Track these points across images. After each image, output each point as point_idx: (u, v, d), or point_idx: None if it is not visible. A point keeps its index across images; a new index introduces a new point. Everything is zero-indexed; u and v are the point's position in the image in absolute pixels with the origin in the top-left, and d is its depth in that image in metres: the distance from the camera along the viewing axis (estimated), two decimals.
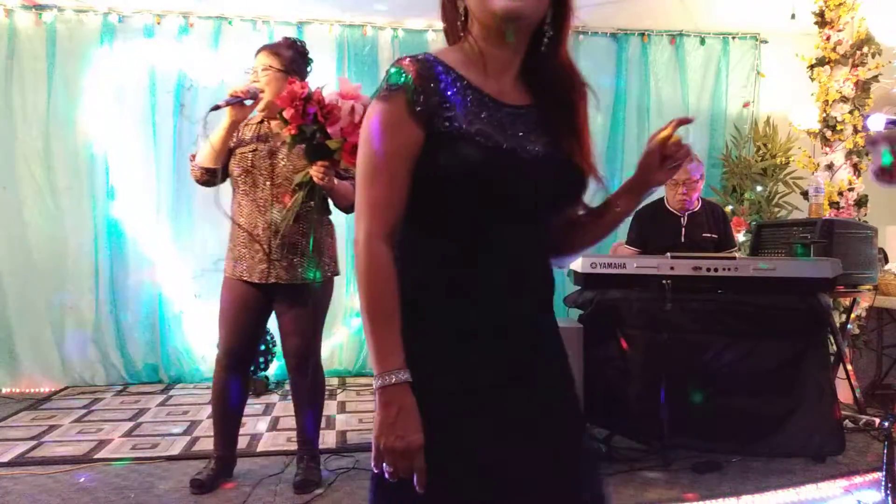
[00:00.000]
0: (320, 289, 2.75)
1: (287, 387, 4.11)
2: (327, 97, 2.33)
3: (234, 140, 2.70)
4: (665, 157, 1.17)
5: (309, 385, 2.80)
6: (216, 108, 2.55)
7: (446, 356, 1.09)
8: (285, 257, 2.65)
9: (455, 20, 1.15)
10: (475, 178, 1.07)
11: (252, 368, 4.33)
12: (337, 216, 2.84)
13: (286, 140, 2.50)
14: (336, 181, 2.50)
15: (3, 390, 4.47)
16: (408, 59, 1.10)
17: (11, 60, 4.55)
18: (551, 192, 1.14)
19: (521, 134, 1.11)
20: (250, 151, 2.67)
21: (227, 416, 2.80)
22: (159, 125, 4.71)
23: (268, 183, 2.65)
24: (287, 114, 2.34)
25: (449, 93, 1.08)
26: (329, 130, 2.32)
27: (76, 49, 4.63)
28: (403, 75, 1.07)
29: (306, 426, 2.83)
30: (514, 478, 1.08)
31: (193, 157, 2.70)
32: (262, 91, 2.63)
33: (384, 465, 1.04)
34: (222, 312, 2.73)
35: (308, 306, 2.71)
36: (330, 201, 2.70)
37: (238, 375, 2.77)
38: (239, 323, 2.71)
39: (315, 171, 2.41)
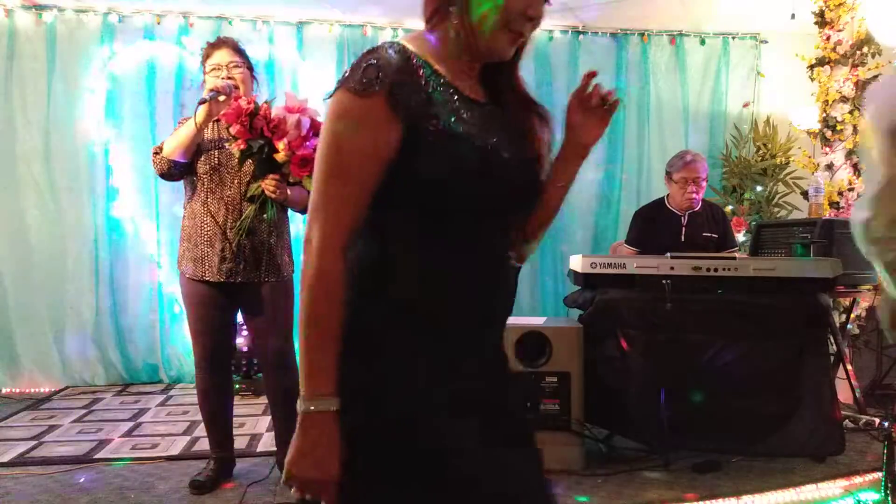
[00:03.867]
0: (287, 288, 2.73)
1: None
2: (273, 111, 2.35)
3: (202, 137, 2.64)
4: (587, 110, 1.14)
5: (288, 384, 2.71)
6: (203, 101, 2.50)
7: (434, 361, 1.03)
8: (250, 256, 2.61)
9: (438, 9, 1.08)
10: (472, 179, 1.02)
11: (252, 369, 4.37)
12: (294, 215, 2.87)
13: (236, 155, 2.50)
14: (289, 190, 2.52)
15: (3, 390, 4.47)
16: (384, 49, 1.02)
17: (11, 60, 4.55)
18: (532, 193, 1.13)
19: (496, 133, 1.07)
20: (216, 149, 2.62)
21: (217, 418, 2.79)
22: (159, 125, 4.71)
23: (236, 181, 2.61)
24: (234, 129, 2.35)
25: (430, 89, 1.02)
26: (277, 144, 2.35)
27: (76, 49, 4.63)
28: (382, 69, 0.99)
29: (290, 427, 2.78)
30: (505, 491, 1.05)
31: (159, 149, 2.61)
32: (237, 87, 2.58)
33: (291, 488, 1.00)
34: (193, 318, 2.68)
35: (279, 304, 2.69)
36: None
37: (219, 377, 2.76)
38: (213, 326, 2.67)
39: (267, 186, 2.43)
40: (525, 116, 1.14)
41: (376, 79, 0.98)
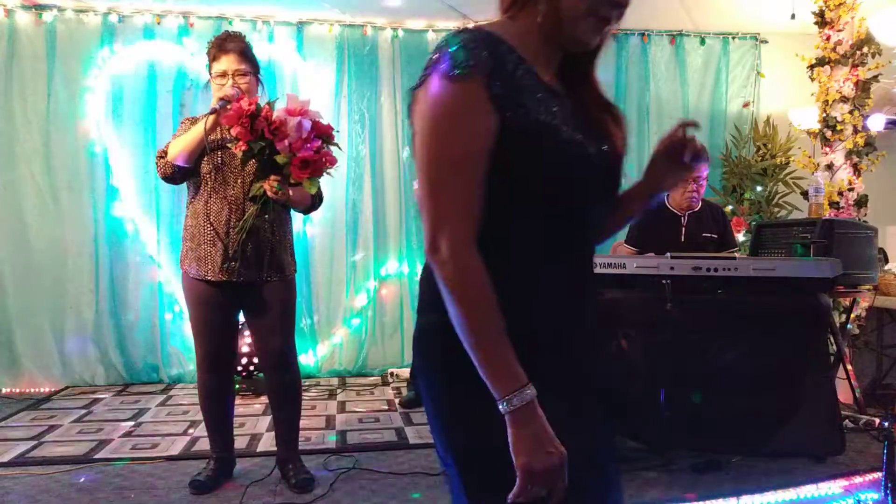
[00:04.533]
0: (289, 287, 2.75)
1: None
2: (275, 113, 2.36)
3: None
4: (672, 159, 1.12)
5: (289, 384, 2.79)
6: (213, 111, 2.53)
7: (549, 355, 1.02)
8: (253, 256, 2.61)
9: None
10: (562, 173, 0.99)
11: (252, 369, 4.37)
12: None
13: (238, 155, 2.51)
14: (290, 191, 2.52)
15: (3, 390, 4.47)
16: (473, 32, 0.97)
17: (11, 60, 4.55)
18: (614, 191, 1.11)
19: (580, 127, 1.03)
20: (219, 149, 2.63)
21: (219, 418, 2.80)
22: (159, 125, 4.71)
23: (239, 181, 2.62)
24: (235, 131, 2.35)
25: (518, 77, 0.98)
26: (278, 146, 2.35)
27: (76, 49, 4.63)
28: (476, 52, 0.94)
29: (291, 427, 2.82)
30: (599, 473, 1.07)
31: (164, 153, 2.62)
32: (244, 96, 2.55)
33: (533, 489, 0.93)
34: (196, 317, 2.68)
35: (281, 304, 2.70)
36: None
37: (220, 377, 2.76)
38: (216, 325, 2.67)
39: (269, 187, 2.43)
40: (601, 114, 1.11)
41: (473, 64, 0.94)
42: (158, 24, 4.74)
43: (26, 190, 4.57)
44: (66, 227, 4.62)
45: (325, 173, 2.46)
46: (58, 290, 4.60)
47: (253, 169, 2.53)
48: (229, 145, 2.61)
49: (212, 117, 2.52)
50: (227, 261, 2.57)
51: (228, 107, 2.46)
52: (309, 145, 2.37)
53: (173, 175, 2.61)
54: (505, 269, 0.98)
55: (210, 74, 2.69)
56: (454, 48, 0.95)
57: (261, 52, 4.59)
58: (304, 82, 4.92)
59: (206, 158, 2.61)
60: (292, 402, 2.81)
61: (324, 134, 2.42)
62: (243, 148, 2.38)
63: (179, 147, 2.56)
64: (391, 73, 5.03)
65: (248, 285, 2.64)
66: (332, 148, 2.49)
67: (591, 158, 1.02)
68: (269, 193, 2.44)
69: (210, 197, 2.61)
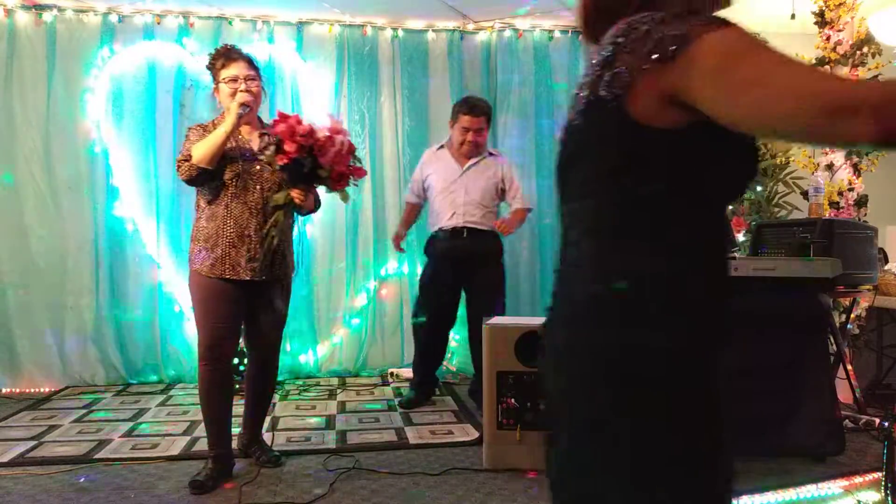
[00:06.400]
0: (290, 286, 3.01)
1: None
2: (318, 132, 2.57)
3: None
4: None
5: (273, 374, 3.09)
6: (238, 116, 2.71)
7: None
8: (267, 257, 2.78)
9: None
10: (747, 152, 0.99)
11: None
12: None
13: (270, 163, 2.68)
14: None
15: (3, 390, 4.47)
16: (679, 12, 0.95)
17: (11, 60, 4.55)
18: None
19: None
20: (239, 157, 2.77)
21: (219, 414, 2.84)
22: (159, 125, 4.71)
23: (258, 187, 2.78)
24: (289, 146, 2.52)
25: None
26: (322, 161, 2.55)
27: (76, 49, 4.63)
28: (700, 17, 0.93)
29: (263, 412, 3.14)
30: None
31: (189, 156, 2.70)
32: (253, 102, 2.79)
33: None
34: (204, 310, 2.78)
35: (283, 301, 2.95)
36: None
37: (225, 371, 2.84)
38: (224, 318, 2.78)
39: (298, 195, 2.65)
40: None
41: (716, 19, 0.92)
42: (158, 24, 4.74)
43: (26, 190, 4.57)
44: (66, 227, 4.62)
45: (351, 184, 2.71)
46: (58, 290, 4.60)
47: (273, 176, 2.76)
48: (262, 157, 2.79)
49: (231, 121, 2.67)
50: (251, 261, 2.75)
51: (246, 111, 2.71)
52: (343, 160, 2.61)
53: (198, 178, 2.72)
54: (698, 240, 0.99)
55: (217, 80, 2.83)
56: (680, 18, 0.92)
57: (261, 52, 4.63)
58: (304, 82, 4.92)
59: (228, 166, 2.75)
60: (270, 390, 3.13)
61: (352, 150, 2.66)
62: (285, 162, 2.55)
63: (203, 150, 2.67)
64: (391, 73, 5.03)
65: (262, 283, 2.80)
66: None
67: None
68: (296, 200, 2.66)
69: (231, 201, 2.76)
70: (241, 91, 2.73)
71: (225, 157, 2.72)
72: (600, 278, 0.97)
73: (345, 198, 2.73)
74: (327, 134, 2.56)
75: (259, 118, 2.95)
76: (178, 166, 2.73)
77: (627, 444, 0.94)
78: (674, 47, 0.88)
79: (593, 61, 1.00)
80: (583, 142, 1.02)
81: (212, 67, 2.84)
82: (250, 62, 2.83)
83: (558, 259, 1.08)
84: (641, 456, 0.94)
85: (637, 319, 0.94)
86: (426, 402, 4.14)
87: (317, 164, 2.56)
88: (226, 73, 2.78)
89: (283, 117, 2.56)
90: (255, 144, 2.85)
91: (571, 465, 1.00)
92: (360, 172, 2.71)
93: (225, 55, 2.81)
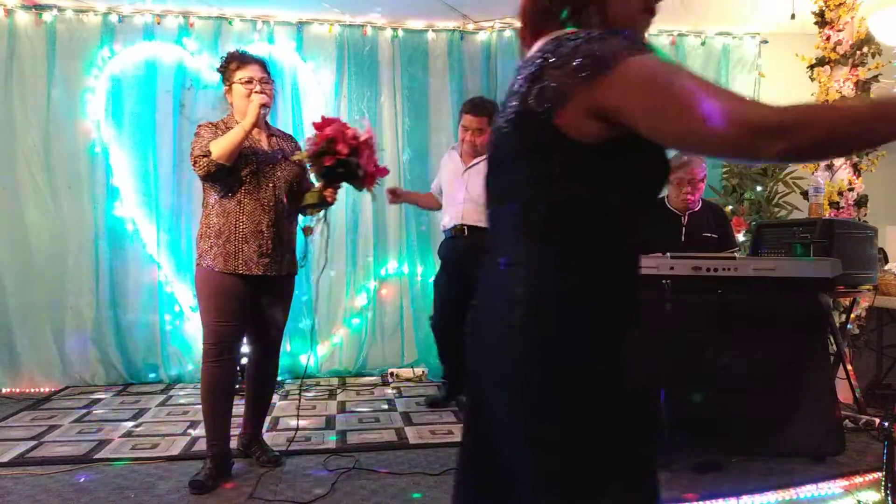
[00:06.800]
0: (293, 283, 3.07)
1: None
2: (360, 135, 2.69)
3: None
4: None
5: (273, 370, 3.12)
6: (261, 115, 2.81)
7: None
8: (278, 253, 2.86)
9: (586, 8, 1.07)
10: (662, 161, 1.06)
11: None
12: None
13: (307, 163, 2.78)
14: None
15: (3, 390, 4.47)
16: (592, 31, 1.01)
17: (11, 60, 4.55)
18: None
19: None
20: (254, 155, 2.83)
21: (220, 412, 2.85)
22: (159, 125, 4.72)
23: (271, 185, 2.84)
24: (342, 147, 2.62)
25: None
26: (361, 162, 2.66)
27: (76, 49, 4.63)
28: (629, 36, 0.98)
29: (264, 410, 3.16)
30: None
31: (208, 152, 2.72)
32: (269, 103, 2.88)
33: None
34: (213, 306, 2.80)
35: (288, 297, 3.04)
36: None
37: (230, 368, 2.86)
38: (234, 314, 2.81)
39: (330, 194, 2.73)
40: None
41: (638, 41, 0.97)
42: (158, 24, 4.74)
43: (26, 190, 4.57)
44: (66, 227, 4.62)
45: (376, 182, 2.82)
46: (58, 290, 4.60)
47: (283, 174, 2.87)
48: (293, 157, 2.90)
49: (251, 119, 2.73)
50: (263, 257, 2.81)
51: (265, 111, 2.83)
52: (373, 160, 2.72)
53: (215, 174, 2.75)
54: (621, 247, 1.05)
55: (230, 81, 2.87)
56: (633, 36, 0.97)
57: (261, 52, 4.62)
58: (304, 82, 4.93)
59: (244, 163, 2.80)
60: (271, 388, 3.16)
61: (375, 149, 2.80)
62: (331, 163, 2.63)
63: (223, 147, 2.71)
64: (391, 73, 5.03)
65: (271, 279, 2.87)
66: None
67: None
68: (329, 200, 2.73)
69: (244, 198, 2.81)
70: (255, 92, 2.79)
71: (240, 154, 2.77)
72: (522, 281, 1.03)
73: (374, 195, 2.91)
74: (367, 136, 2.68)
75: (266, 122, 3.00)
76: (196, 162, 2.74)
77: (555, 441, 1.00)
78: (599, 66, 0.94)
79: (521, 74, 1.06)
80: (511, 149, 1.07)
81: (225, 69, 2.88)
82: (264, 66, 2.89)
83: (486, 259, 1.13)
84: (568, 453, 1.00)
85: (555, 322, 1.00)
86: (451, 402, 4.11)
87: (358, 165, 2.66)
88: (241, 75, 2.82)
89: (328, 121, 2.65)
90: (264, 145, 2.90)
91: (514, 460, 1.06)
92: (383, 172, 2.79)
93: (239, 58, 2.87)
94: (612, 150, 0.99)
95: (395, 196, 4.19)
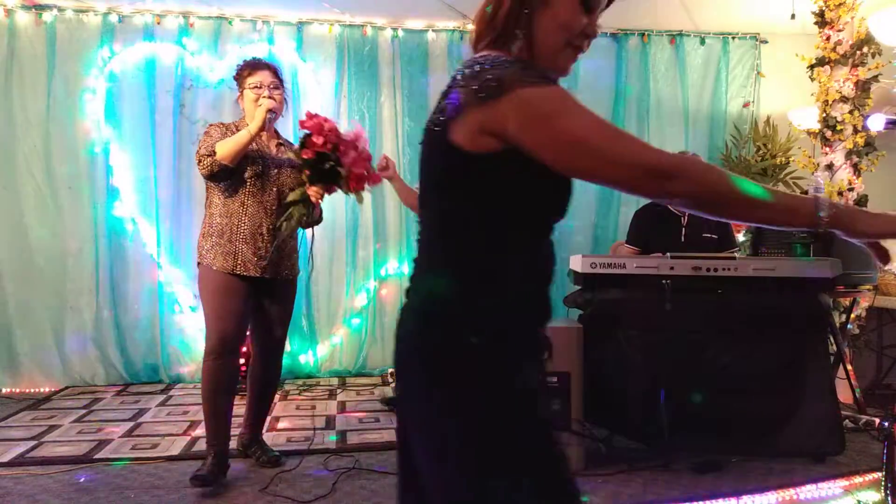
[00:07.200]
0: (296, 285, 3.08)
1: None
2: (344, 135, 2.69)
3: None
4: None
5: (276, 372, 3.11)
6: (269, 120, 2.82)
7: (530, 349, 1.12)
8: (277, 255, 2.87)
9: (503, 31, 1.12)
10: (558, 187, 1.10)
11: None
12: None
13: (293, 158, 2.78)
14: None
15: (3, 390, 4.47)
16: (496, 56, 1.07)
17: (11, 60, 4.55)
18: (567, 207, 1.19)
19: None
20: (259, 158, 2.86)
21: (224, 410, 2.86)
22: (159, 125, 4.72)
23: (274, 188, 2.88)
24: (317, 139, 2.62)
25: None
26: (344, 161, 2.65)
27: (76, 49, 4.63)
28: (528, 66, 1.05)
29: (265, 411, 3.18)
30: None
31: (213, 152, 2.75)
32: (277, 108, 2.89)
33: None
34: (215, 305, 2.82)
35: (290, 300, 3.04)
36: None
37: (233, 367, 2.88)
38: (235, 312, 2.82)
39: (314, 192, 2.72)
40: None
41: (538, 73, 1.03)
42: (158, 24, 4.74)
43: (26, 190, 4.57)
44: (66, 227, 4.62)
45: (366, 188, 2.80)
46: (58, 290, 4.60)
47: (287, 179, 2.88)
48: (288, 153, 2.90)
49: (258, 123, 2.74)
50: (261, 259, 2.82)
51: (272, 116, 2.82)
52: (362, 163, 2.71)
53: (218, 174, 2.78)
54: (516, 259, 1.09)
55: (242, 87, 2.92)
56: (528, 67, 1.04)
57: (261, 52, 4.63)
58: (304, 82, 4.93)
59: (248, 166, 2.83)
60: (273, 389, 3.17)
61: (369, 159, 2.78)
62: (310, 156, 2.63)
63: (228, 148, 2.74)
64: (391, 73, 5.03)
65: (271, 281, 2.89)
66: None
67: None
68: (312, 198, 2.72)
69: (247, 199, 2.84)
70: (264, 97, 2.82)
71: (246, 157, 2.80)
72: (427, 281, 1.12)
73: (360, 199, 2.83)
74: (352, 137, 2.68)
75: (276, 130, 3.04)
76: (200, 160, 2.77)
77: (451, 433, 1.04)
78: (494, 91, 1.01)
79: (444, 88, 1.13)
80: (422, 158, 1.15)
81: (239, 76, 2.94)
82: (276, 72, 2.94)
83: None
84: (461, 444, 1.04)
85: (449, 323, 1.06)
86: None
87: (339, 163, 2.65)
88: (251, 80, 2.87)
89: (312, 116, 2.67)
90: (272, 151, 2.94)
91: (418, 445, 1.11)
92: (375, 178, 2.80)
93: (252, 65, 2.93)
94: (505, 167, 1.04)
95: (387, 169, 4.12)
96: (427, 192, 1.14)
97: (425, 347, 1.07)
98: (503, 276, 1.08)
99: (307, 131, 2.65)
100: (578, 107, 1.02)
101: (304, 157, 2.65)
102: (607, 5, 1.17)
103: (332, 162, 2.64)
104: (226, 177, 2.80)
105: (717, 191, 1.00)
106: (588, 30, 1.14)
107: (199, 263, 2.89)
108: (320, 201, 2.77)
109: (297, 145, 2.74)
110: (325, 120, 2.65)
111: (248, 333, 3.05)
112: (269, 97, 2.84)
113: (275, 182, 2.88)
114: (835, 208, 1.00)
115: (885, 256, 1.07)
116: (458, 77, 1.07)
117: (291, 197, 2.75)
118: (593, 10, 1.13)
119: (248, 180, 2.84)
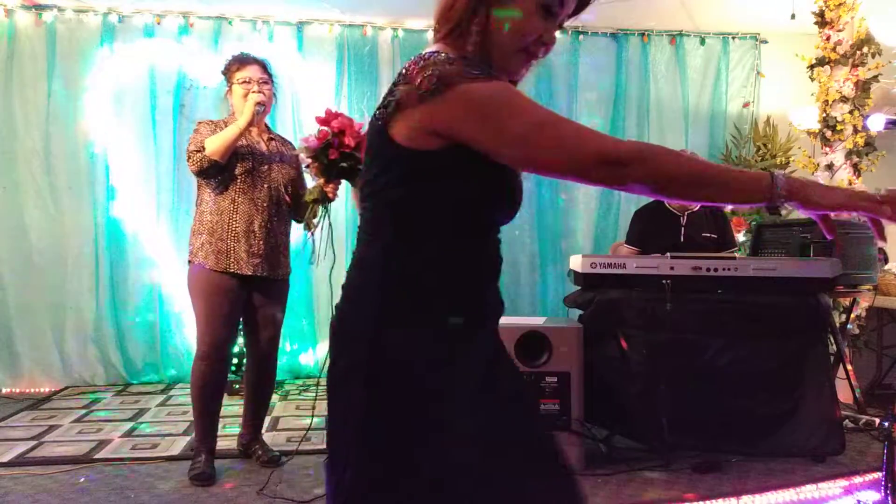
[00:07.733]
0: (288, 285, 3.06)
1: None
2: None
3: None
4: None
5: (271, 371, 3.09)
6: (256, 113, 2.79)
7: (465, 342, 1.10)
8: (271, 254, 2.86)
9: (459, 25, 1.12)
10: (508, 176, 1.10)
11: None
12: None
13: (312, 156, 2.68)
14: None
15: (3, 390, 4.47)
16: (439, 53, 1.06)
17: (11, 60, 4.55)
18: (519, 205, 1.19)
19: None
20: (250, 155, 2.84)
21: (214, 408, 2.88)
22: (159, 125, 4.72)
23: (265, 185, 2.86)
24: (349, 140, 2.56)
25: None
26: (360, 156, 2.63)
27: (76, 49, 4.63)
28: (470, 63, 1.05)
29: (263, 411, 3.14)
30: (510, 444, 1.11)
31: (202, 147, 2.74)
32: (266, 103, 2.87)
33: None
34: (205, 305, 2.81)
35: (282, 299, 3.01)
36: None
37: (223, 367, 2.89)
38: (227, 316, 2.83)
39: (332, 189, 2.70)
40: None
41: (480, 69, 1.03)
42: (158, 24, 4.74)
43: (26, 190, 4.57)
44: (66, 227, 4.62)
45: None
46: (58, 290, 4.60)
47: (277, 175, 2.87)
48: (302, 154, 2.77)
49: (247, 118, 2.73)
50: (253, 257, 2.81)
51: (261, 110, 2.81)
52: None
53: (208, 170, 2.76)
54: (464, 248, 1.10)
55: (231, 82, 2.90)
56: (472, 63, 1.04)
57: (261, 51, 4.61)
58: (304, 82, 4.92)
59: (239, 163, 2.81)
60: (270, 388, 3.13)
61: None
62: (335, 156, 2.57)
63: (217, 144, 2.72)
64: (391, 74, 5.02)
65: (264, 280, 2.86)
66: None
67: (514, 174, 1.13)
68: (330, 195, 2.69)
69: (238, 197, 2.82)
70: (253, 92, 2.80)
71: (236, 153, 2.79)
72: (359, 274, 1.13)
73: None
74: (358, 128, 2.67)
75: (267, 125, 3.02)
76: (189, 157, 2.76)
77: (372, 426, 1.05)
78: (435, 88, 1.01)
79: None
80: (367, 151, 1.16)
81: (227, 72, 2.92)
82: (264, 67, 2.91)
83: None
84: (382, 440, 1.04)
85: (381, 316, 1.06)
86: None
87: (358, 160, 2.64)
88: (240, 75, 2.86)
89: (333, 115, 2.62)
90: (262, 146, 2.91)
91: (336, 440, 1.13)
92: None
93: (240, 59, 2.91)
94: (444, 165, 1.04)
95: None
96: (367, 185, 1.14)
97: (355, 360, 1.07)
98: (438, 273, 1.07)
99: (332, 130, 2.58)
100: (525, 99, 1.02)
101: (332, 157, 2.59)
102: (574, 14, 1.15)
103: (354, 160, 2.61)
104: (216, 173, 2.78)
105: (673, 175, 1.00)
106: (545, 37, 1.11)
107: (189, 262, 2.86)
108: (336, 195, 2.75)
109: (312, 142, 2.65)
110: (351, 119, 2.60)
111: (241, 333, 3.06)
112: (258, 91, 2.82)
113: (266, 178, 2.86)
114: (791, 181, 1.00)
115: (881, 232, 1.05)
116: (404, 72, 1.06)
117: (309, 194, 2.71)
118: (553, 17, 1.11)
119: (239, 177, 2.82)
